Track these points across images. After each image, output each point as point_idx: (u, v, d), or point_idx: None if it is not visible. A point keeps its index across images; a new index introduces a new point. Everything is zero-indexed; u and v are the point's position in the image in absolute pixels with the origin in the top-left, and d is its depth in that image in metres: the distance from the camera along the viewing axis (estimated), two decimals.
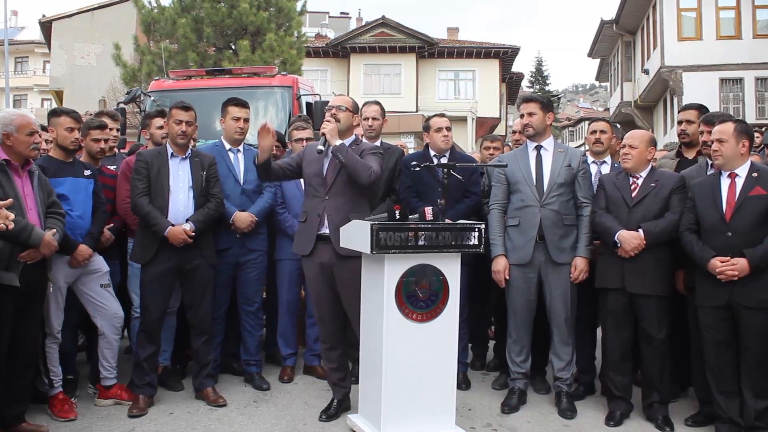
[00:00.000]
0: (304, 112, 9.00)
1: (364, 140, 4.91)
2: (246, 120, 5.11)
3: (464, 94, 32.04)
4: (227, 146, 5.11)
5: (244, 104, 5.13)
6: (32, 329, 4.04)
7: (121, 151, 6.37)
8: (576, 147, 5.30)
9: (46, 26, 30.81)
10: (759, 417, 3.92)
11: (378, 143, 5.22)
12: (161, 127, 5.31)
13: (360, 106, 5.50)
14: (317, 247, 4.29)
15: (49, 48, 31.45)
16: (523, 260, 4.57)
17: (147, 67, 16.42)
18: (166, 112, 5.54)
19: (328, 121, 4.25)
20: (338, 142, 4.21)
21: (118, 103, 9.37)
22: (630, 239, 4.29)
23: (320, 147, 4.23)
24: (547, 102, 4.78)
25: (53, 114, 4.62)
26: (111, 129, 5.31)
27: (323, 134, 4.22)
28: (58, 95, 30.20)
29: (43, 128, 4.65)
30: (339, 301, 4.35)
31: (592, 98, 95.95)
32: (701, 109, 5.10)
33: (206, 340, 4.74)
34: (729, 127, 4.08)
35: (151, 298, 4.59)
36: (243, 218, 4.97)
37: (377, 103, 5.45)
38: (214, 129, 7.52)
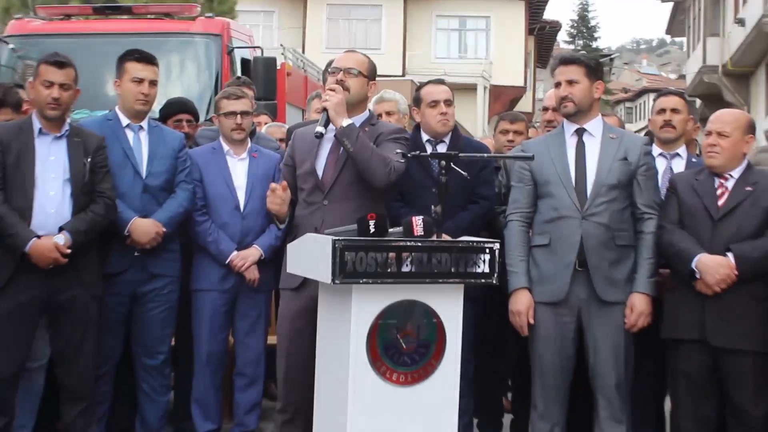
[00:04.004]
0: (239, 72, 8.98)
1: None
2: (152, 83, 5.12)
3: (473, 51, 32.20)
4: (124, 121, 5.11)
5: (148, 60, 5.14)
6: None
7: None
8: (636, 132, 5.33)
9: None
10: None
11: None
12: None
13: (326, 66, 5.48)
14: None
15: None
16: (556, 297, 4.58)
17: (5, 1, 16.31)
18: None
19: (332, 90, 4.28)
20: (346, 121, 4.25)
21: None
22: (715, 268, 4.31)
23: (319, 129, 4.26)
24: (595, 65, 4.79)
25: None
26: None
27: (324, 110, 4.24)
28: None
29: None
30: None
31: (660, 60, 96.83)
32: None
33: (85, 408, 4.71)
34: None
35: (0, 346, 4.54)
36: (144, 228, 4.95)
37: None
38: (105, 95, 7.50)
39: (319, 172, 4.44)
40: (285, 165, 4.72)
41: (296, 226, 4.47)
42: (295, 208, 4.61)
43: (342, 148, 4.34)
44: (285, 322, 4.49)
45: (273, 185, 4.51)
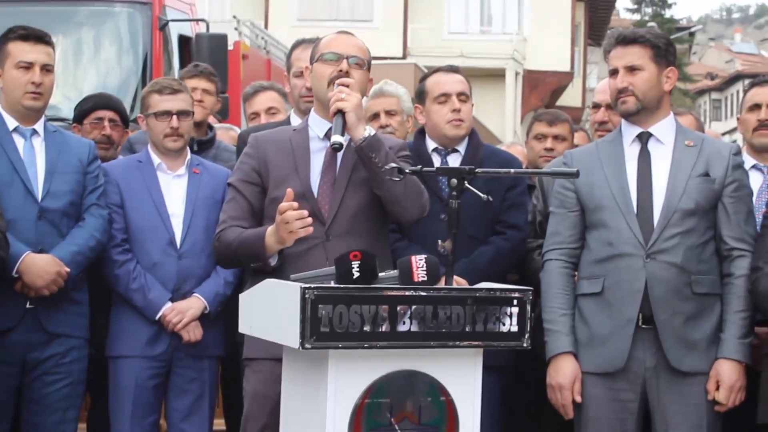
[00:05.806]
0: (175, 55, 9.00)
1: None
2: (46, 68, 5.16)
3: (500, 24, 32.54)
4: (11, 123, 5.14)
5: (39, 37, 5.18)
6: None
7: None
8: (725, 134, 5.35)
9: None
10: None
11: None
12: None
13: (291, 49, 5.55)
14: None
15: None
16: (612, 365, 4.60)
17: None
18: None
19: (347, 85, 4.31)
20: (370, 130, 4.31)
21: None
22: None
23: (338, 138, 4.24)
24: (666, 46, 4.79)
25: None
26: None
27: (339, 112, 4.24)
28: None
29: None
30: None
31: (759, 35, 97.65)
32: None
33: None
34: None
35: None
36: (40, 266, 4.96)
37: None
38: None
39: (315, 195, 4.44)
40: (243, 182, 4.54)
41: (279, 270, 4.36)
42: None
43: (337, 166, 4.38)
44: (266, 406, 4.42)
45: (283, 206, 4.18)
